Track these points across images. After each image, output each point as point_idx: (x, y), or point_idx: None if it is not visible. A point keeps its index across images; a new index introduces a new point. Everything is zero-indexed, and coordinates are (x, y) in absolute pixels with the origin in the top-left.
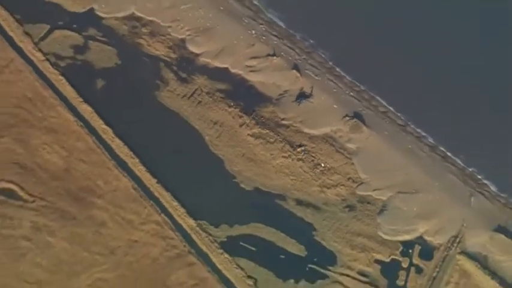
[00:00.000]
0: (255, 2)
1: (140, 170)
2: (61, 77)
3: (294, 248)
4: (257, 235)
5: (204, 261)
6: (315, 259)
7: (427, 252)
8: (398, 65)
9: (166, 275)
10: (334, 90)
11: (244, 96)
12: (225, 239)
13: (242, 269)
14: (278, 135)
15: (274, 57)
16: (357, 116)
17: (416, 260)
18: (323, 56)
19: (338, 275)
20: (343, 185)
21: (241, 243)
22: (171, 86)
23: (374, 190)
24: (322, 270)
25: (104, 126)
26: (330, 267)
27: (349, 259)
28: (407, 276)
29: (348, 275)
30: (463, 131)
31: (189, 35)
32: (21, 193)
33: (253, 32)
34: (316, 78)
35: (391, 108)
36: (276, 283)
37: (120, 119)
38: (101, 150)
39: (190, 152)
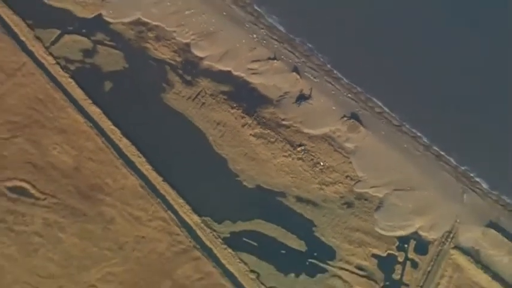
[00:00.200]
0: (256, 8)
1: (147, 169)
2: (71, 80)
3: (295, 243)
4: (259, 231)
5: (208, 256)
6: (315, 254)
7: (422, 247)
8: (393, 69)
9: (173, 269)
10: (333, 92)
11: (246, 98)
12: (229, 235)
13: (245, 263)
14: (279, 135)
15: (275, 61)
16: (355, 116)
17: (411, 255)
18: (321, 59)
19: (337, 269)
20: (341, 182)
21: (244, 238)
22: (176, 88)
23: (371, 187)
24: (321, 265)
25: (112, 127)
26: (329, 262)
27: (347, 254)
28: (403, 270)
29: (346, 269)
30: (456, 132)
31: (193, 39)
32: (33, 191)
33: (255, 36)
34: (315, 80)
35: (386, 109)
36: (277, 277)
37: (128, 119)
38: (109, 149)
39: (195, 151)
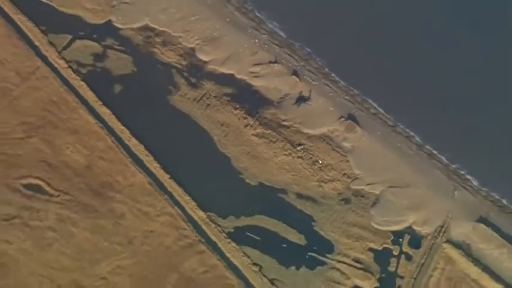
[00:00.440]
0: (258, 14)
1: (155, 167)
2: (82, 83)
3: (295, 237)
4: (261, 226)
5: (213, 250)
6: (314, 247)
7: (416, 241)
8: (388, 72)
9: (180, 262)
10: (330, 94)
11: (249, 100)
12: (232, 230)
13: (248, 256)
14: (279, 135)
15: (276, 64)
16: (351, 117)
17: (406, 248)
18: (320, 63)
19: (335, 262)
20: (339, 180)
21: (247, 233)
22: (182, 90)
23: (367, 185)
24: (320, 258)
25: (122, 127)
26: (328, 255)
27: (345, 247)
28: (398, 263)
29: (344, 262)
30: (447, 132)
31: (198, 44)
32: (47, 188)
33: (257, 41)
34: (314, 83)
35: (381, 111)
36: (279, 269)
37: (136, 120)
38: (119, 149)
39: (200, 150)
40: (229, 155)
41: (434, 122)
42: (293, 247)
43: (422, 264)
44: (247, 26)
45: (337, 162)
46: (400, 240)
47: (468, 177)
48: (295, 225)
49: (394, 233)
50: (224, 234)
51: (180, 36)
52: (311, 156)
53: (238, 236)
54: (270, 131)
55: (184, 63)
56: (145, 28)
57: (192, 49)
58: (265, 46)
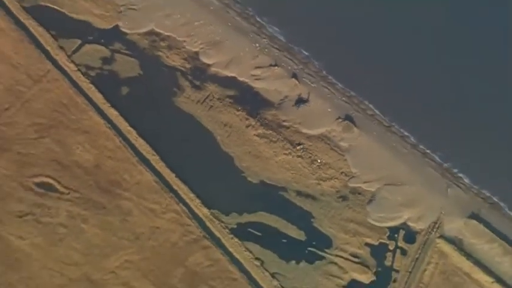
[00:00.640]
0: (259, 19)
1: (161, 166)
2: (91, 85)
3: (295, 233)
4: (263, 222)
5: (217, 245)
6: (313, 243)
7: (411, 236)
8: (384, 75)
9: (185, 257)
10: (328, 95)
11: (250, 101)
12: (235, 226)
13: (250, 251)
14: (280, 135)
15: (276, 67)
16: (349, 118)
17: (401, 243)
18: (318, 66)
19: (333, 256)
20: (337, 178)
21: (249, 229)
22: (186, 92)
23: (364, 182)
24: (319, 253)
25: (129, 128)
26: (327, 250)
27: (342, 243)
28: (393, 257)
29: (342, 257)
30: (440, 131)
31: (201, 48)
32: (58, 186)
33: (257, 45)
34: (313, 85)
35: (377, 112)
36: (279, 264)
37: (143, 121)
38: (126, 148)
39: (204, 150)
40: (232, 154)
41: (428, 122)
42: (293, 242)
43: (417, 258)
44: (249, 31)
45: (335, 161)
46: (396, 235)
47: (460, 175)
48: (295, 221)
49: (390, 228)
50: (227, 230)
51: (185, 41)
52: (310, 155)
53: (240, 232)
54: (270, 131)
55: (188, 66)
56: (151, 33)
57: (196, 53)
58: (266, 50)
